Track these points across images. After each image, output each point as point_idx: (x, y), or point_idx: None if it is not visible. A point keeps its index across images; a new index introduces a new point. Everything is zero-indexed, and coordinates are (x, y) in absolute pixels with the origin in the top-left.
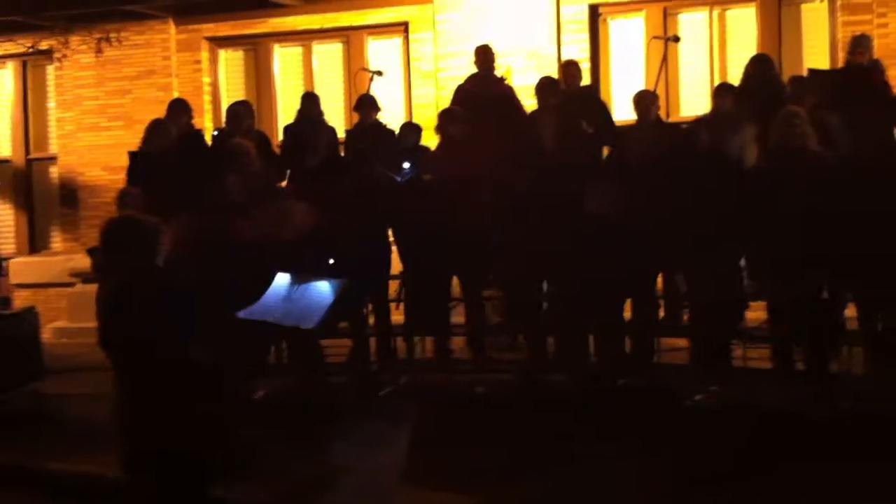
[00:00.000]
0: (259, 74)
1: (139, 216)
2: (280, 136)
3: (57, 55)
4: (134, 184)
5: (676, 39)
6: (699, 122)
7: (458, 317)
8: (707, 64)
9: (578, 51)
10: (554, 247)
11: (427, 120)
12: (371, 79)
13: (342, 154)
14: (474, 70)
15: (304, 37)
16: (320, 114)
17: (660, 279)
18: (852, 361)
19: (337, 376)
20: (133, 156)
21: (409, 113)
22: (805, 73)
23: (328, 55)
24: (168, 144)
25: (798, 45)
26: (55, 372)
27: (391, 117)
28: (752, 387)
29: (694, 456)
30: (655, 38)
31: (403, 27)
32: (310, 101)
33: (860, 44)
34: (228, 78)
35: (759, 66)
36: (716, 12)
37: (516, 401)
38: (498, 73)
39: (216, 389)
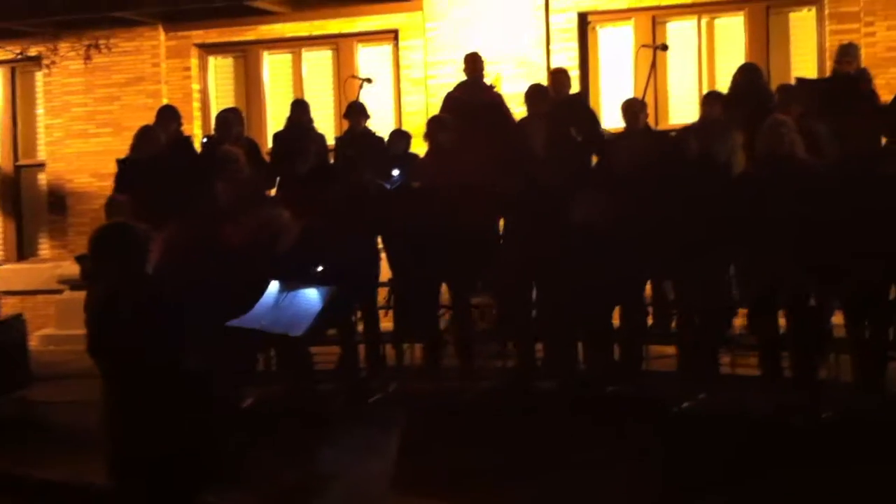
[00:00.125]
0: (248, 81)
1: (128, 223)
2: (270, 144)
3: (46, 62)
4: (122, 191)
5: (665, 48)
6: (688, 130)
7: (446, 324)
8: (695, 72)
9: (567, 59)
10: (543, 254)
11: (417, 127)
12: (360, 86)
13: (331, 161)
14: (464, 78)
15: (294, 44)
16: (310, 121)
17: (648, 286)
18: (840, 369)
19: (326, 383)
20: (121, 163)
21: (399, 120)
22: (793, 82)
23: (318, 62)
24: (157, 151)
25: (786, 53)
26: (42, 379)
27: (381, 125)
28: (741, 394)
29: (682, 463)
30: (644, 46)
31: (393, 35)
32: (299, 109)
33: (847, 52)
34: (218, 85)
35: (748, 75)
36: (704, 21)
37: (505, 408)
38: (487, 80)
39: (205, 396)
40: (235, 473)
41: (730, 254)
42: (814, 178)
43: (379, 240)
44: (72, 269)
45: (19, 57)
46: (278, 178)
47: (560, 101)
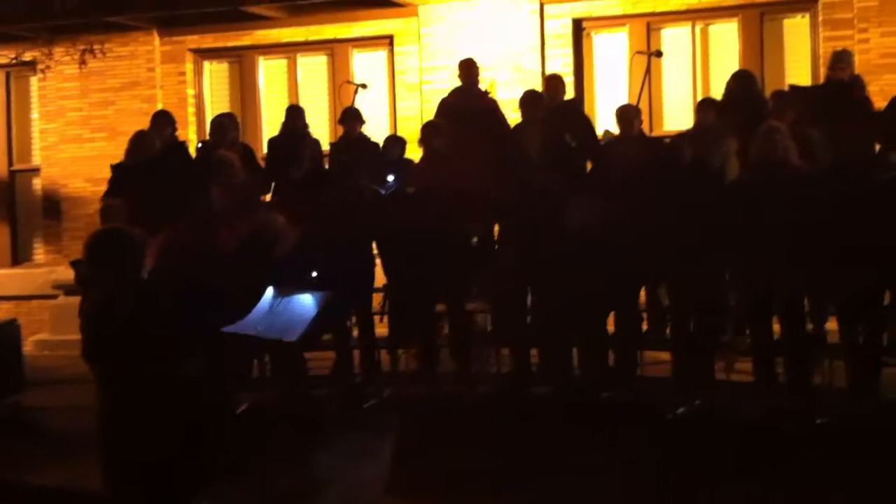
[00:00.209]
0: (244, 86)
1: (124, 228)
2: (265, 149)
3: (40, 66)
4: (116, 196)
5: (659, 54)
6: (682, 136)
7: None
8: (690, 78)
9: (562, 65)
10: (538, 260)
11: (412, 133)
12: (356, 91)
13: (327, 167)
14: (458, 83)
15: (289, 49)
16: (305, 126)
17: (643, 292)
18: (833, 374)
19: (320, 389)
20: (115, 168)
21: (394, 126)
22: (787, 88)
23: (313, 68)
24: (152, 156)
25: (780, 60)
26: (37, 384)
27: (376, 130)
28: (735, 399)
29: (677, 468)
30: (639, 52)
31: (388, 40)
32: (294, 114)
33: (841, 59)
34: (213, 90)
35: (742, 82)
36: (698, 27)
37: (500, 413)
38: (482, 86)
39: (201, 401)
40: (230, 478)
41: (724, 260)
42: (808, 185)
43: (374, 245)
44: (66, 274)
45: (14, 61)
46: (273, 184)
47: (555, 107)
